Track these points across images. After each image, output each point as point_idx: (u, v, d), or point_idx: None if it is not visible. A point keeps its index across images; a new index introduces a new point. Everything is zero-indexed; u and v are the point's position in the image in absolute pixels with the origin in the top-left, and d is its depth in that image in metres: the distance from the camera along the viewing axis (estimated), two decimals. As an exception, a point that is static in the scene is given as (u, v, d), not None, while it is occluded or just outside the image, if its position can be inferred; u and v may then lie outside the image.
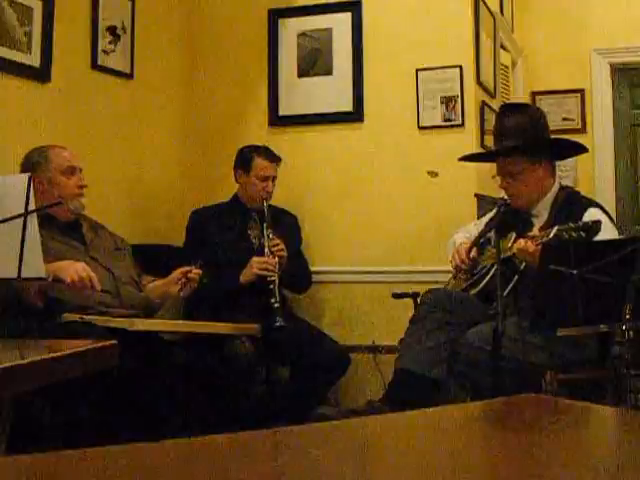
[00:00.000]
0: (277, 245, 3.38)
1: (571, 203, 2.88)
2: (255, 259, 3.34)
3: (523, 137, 2.90)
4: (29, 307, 2.58)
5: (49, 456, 0.95)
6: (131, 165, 3.71)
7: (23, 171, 2.76)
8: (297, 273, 3.58)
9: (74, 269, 2.55)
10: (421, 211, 3.74)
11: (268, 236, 3.38)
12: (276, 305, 3.24)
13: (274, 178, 3.55)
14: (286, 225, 3.66)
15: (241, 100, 4.08)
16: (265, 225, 3.42)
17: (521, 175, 2.89)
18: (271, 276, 3.30)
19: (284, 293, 3.58)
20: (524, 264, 2.78)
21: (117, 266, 2.93)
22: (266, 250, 3.36)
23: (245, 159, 3.55)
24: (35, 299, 2.59)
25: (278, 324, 3.19)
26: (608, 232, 2.70)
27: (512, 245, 2.79)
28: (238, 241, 3.49)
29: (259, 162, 3.52)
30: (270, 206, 3.51)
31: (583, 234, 2.40)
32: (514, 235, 2.89)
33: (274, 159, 3.56)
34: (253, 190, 3.52)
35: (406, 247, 3.76)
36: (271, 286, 3.28)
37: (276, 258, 3.35)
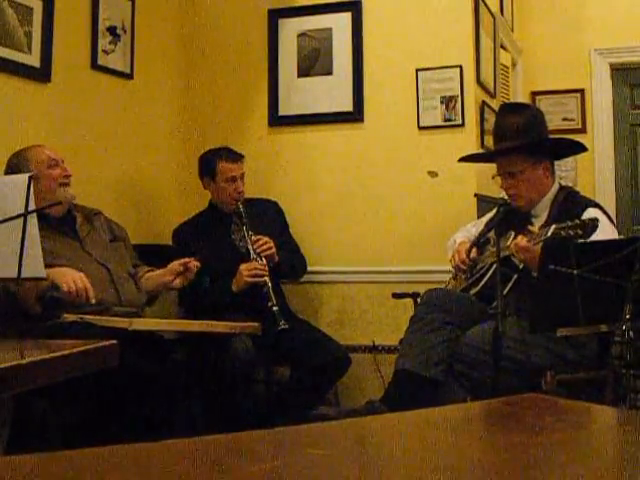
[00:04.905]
0: (262, 245, 3.33)
1: (570, 203, 2.88)
2: (243, 266, 3.29)
3: (523, 137, 2.90)
4: (25, 309, 2.58)
5: (49, 456, 0.95)
6: (130, 165, 3.71)
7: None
8: (289, 261, 3.54)
9: (72, 278, 2.55)
10: (421, 211, 3.74)
11: (250, 238, 3.33)
12: (275, 308, 3.19)
13: (242, 176, 3.49)
14: (268, 214, 3.63)
15: (241, 100, 4.08)
16: (245, 227, 3.37)
17: (522, 175, 2.89)
18: (263, 281, 3.25)
19: (282, 289, 3.58)
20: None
21: (113, 260, 2.93)
22: (252, 255, 3.31)
23: (208, 166, 3.50)
24: (34, 305, 2.58)
25: (281, 327, 3.15)
26: (607, 232, 2.70)
27: (510, 243, 2.80)
28: (224, 249, 3.45)
29: (223, 165, 3.46)
30: (245, 204, 3.45)
31: (580, 232, 2.40)
32: (513, 234, 2.89)
33: (238, 158, 3.50)
34: (225, 194, 3.47)
35: (406, 247, 3.75)
36: (265, 289, 3.23)
37: (264, 259, 3.30)
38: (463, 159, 3.22)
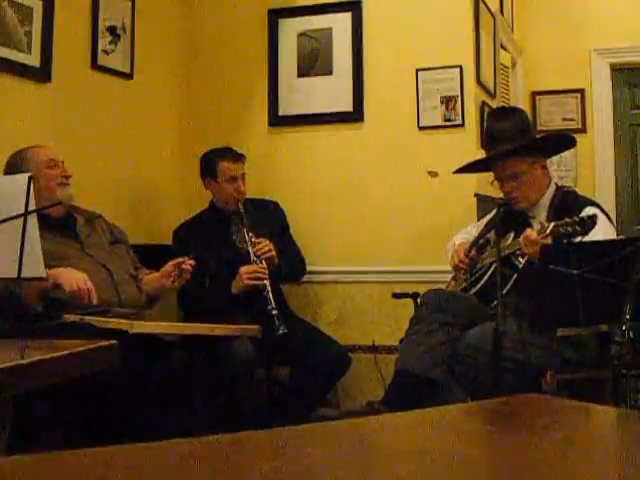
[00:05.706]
0: (262, 247, 3.31)
1: (568, 203, 2.89)
2: (243, 269, 3.27)
3: (522, 138, 2.91)
4: (28, 309, 2.58)
5: (49, 456, 0.95)
6: (130, 165, 3.71)
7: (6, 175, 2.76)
8: (289, 263, 3.53)
9: (75, 278, 2.55)
10: (421, 211, 3.74)
11: (251, 240, 3.32)
12: (274, 312, 3.17)
13: (243, 176, 3.49)
14: (269, 214, 3.62)
15: (241, 100, 4.08)
16: (245, 230, 3.36)
17: (525, 176, 2.90)
18: (263, 284, 3.24)
19: (281, 291, 3.57)
20: (522, 263, 2.79)
21: (114, 262, 2.93)
22: (252, 257, 3.30)
23: (209, 166, 3.49)
24: (36, 304, 2.59)
25: (281, 332, 3.13)
26: (606, 230, 2.71)
27: (512, 242, 2.80)
28: (224, 250, 3.44)
29: (224, 165, 3.46)
30: (246, 205, 3.45)
31: (579, 228, 2.41)
32: (512, 234, 2.90)
33: (238, 158, 3.50)
34: (226, 194, 3.46)
35: (406, 247, 3.75)
36: (264, 293, 3.22)
37: (264, 262, 3.29)
38: (460, 170, 3.21)
